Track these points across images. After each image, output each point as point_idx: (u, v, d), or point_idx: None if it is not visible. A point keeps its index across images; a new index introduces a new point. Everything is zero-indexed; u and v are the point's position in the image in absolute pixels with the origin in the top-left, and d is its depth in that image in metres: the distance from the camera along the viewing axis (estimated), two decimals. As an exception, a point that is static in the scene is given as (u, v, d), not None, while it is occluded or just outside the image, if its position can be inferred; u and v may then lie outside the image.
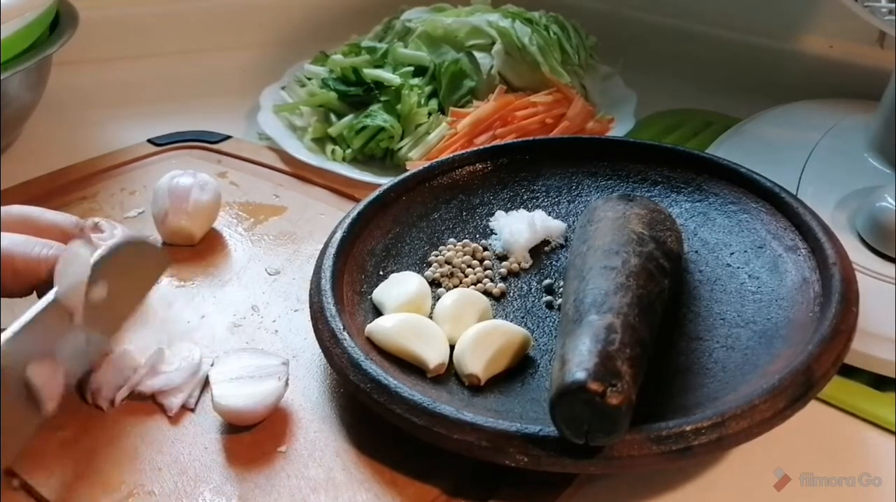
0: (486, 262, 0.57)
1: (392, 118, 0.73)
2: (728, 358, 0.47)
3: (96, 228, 0.56)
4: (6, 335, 0.41)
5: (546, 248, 0.58)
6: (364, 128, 0.73)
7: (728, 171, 0.58)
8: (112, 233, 0.56)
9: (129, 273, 0.50)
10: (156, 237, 0.62)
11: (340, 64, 0.79)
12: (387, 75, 0.76)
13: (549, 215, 0.59)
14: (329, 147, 0.75)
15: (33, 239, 0.45)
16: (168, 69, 0.94)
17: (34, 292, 0.45)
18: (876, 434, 0.49)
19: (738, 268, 0.53)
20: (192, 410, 0.48)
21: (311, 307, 0.51)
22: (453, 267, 0.56)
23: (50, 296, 0.43)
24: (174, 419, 0.47)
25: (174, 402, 0.48)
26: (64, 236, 0.47)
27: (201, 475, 0.44)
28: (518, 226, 0.58)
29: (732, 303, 0.51)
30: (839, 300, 0.46)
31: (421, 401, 0.43)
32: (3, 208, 0.47)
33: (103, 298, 0.46)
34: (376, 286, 0.53)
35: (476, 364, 0.47)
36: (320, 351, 0.49)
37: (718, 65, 0.88)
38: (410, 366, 0.48)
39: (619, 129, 0.75)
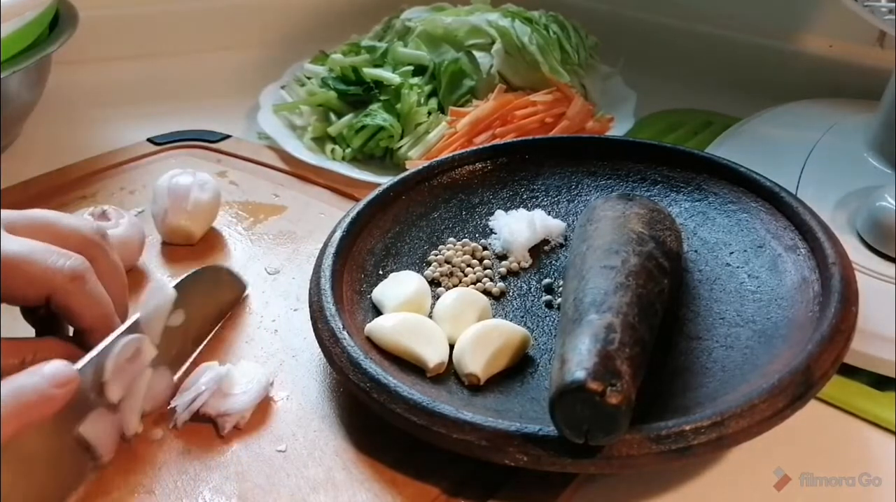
0: (486, 262, 0.57)
1: (392, 117, 0.73)
2: (727, 357, 0.47)
3: (103, 216, 0.57)
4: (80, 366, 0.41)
5: (546, 248, 0.58)
6: (364, 127, 0.73)
7: (727, 171, 0.58)
8: (118, 222, 0.57)
9: (206, 299, 0.53)
10: (156, 237, 0.62)
11: (340, 63, 0.79)
12: (386, 74, 0.76)
13: (549, 214, 0.59)
14: (329, 146, 0.74)
15: (53, 247, 0.45)
16: (168, 69, 0.94)
17: (47, 302, 0.45)
18: (876, 434, 0.49)
19: (738, 267, 0.53)
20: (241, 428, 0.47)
21: (310, 306, 0.51)
22: (453, 266, 0.56)
23: (124, 326, 0.44)
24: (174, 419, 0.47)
25: (229, 422, 0.46)
26: (84, 242, 0.46)
27: (201, 474, 0.44)
28: (518, 226, 0.58)
29: (732, 303, 0.51)
30: (839, 300, 0.46)
31: (420, 401, 0.43)
32: (23, 212, 0.47)
33: (180, 324, 0.48)
34: (376, 285, 0.53)
35: (475, 363, 0.47)
36: (320, 350, 0.49)
37: (718, 65, 0.88)
38: (410, 366, 0.48)
39: (618, 129, 0.75)
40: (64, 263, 0.44)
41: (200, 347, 0.52)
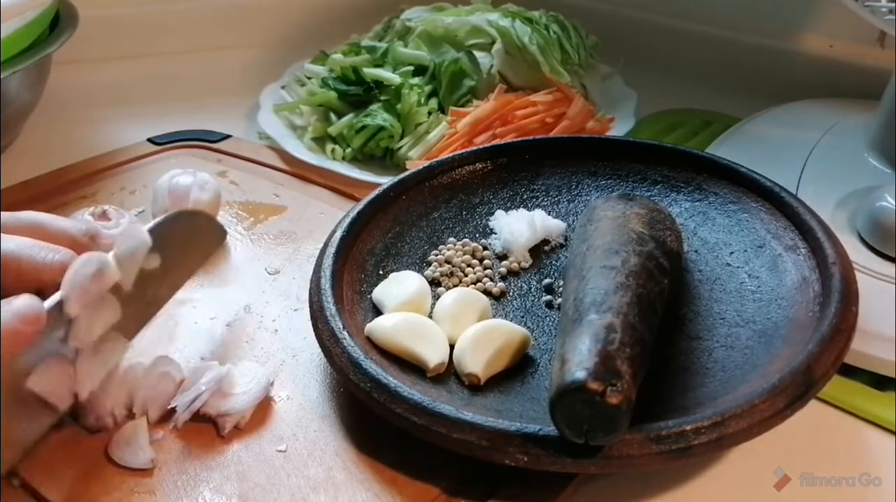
0: (486, 262, 0.57)
1: (392, 117, 0.73)
2: (728, 357, 0.47)
3: (104, 216, 0.57)
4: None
5: (546, 248, 0.58)
6: (364, 127, 0.73)
7: (728, 171, 0.58)
8: (118, 222, 0.57)
9: (184, 245, 0.52)
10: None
11: (340, 63, 0.79)
12: (387, 74, 0.76)
13: (549, 214, 0.59)
14: (329, 146, 0.75)
15: (41, 243, 0.45)
16: (168, 69, 0.94)
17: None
18: (876, 434, 0.49)
19: (738, 267, 0.53)
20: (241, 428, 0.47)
21: (310, 306, 0.51)
22: (453, 266, 0.56)
23: (87, 264, 0.43)
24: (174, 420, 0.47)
25: (229, 422, 0.47)
26: (74, 244, 0.46)
27: (201, 474, 0.44)
28: (518, 226, 0.58)
29: (732, 303, 0.51)
30: (839, 299, 0.46)
31: (421, 401, 0.43)
32: (13, 213, 0.47)
33: (156, 268, 0.47)
34: (376, 285, 0.53)
35: (476, 363, 0.47)
36: (320, 350, 0.49)
37: (718, 65, 0.88)
38: (410, 366, 0.48)
39: (619, 129, 0.75)
40: (53, 257, 0.44)
41: (178, 292, 0.52)
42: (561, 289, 0.54)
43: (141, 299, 0.47)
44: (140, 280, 0.47)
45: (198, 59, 0.96)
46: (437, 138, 0.72)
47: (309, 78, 0.82)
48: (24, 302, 0.40)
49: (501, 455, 0.41)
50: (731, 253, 0.54)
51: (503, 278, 0.56)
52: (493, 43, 0.78)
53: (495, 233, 0.59)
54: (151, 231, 0.47)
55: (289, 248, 0.62)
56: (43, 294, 0.44)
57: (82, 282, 0.43)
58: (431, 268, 0.56)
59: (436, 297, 0.53)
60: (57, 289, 0.44)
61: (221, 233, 0.58)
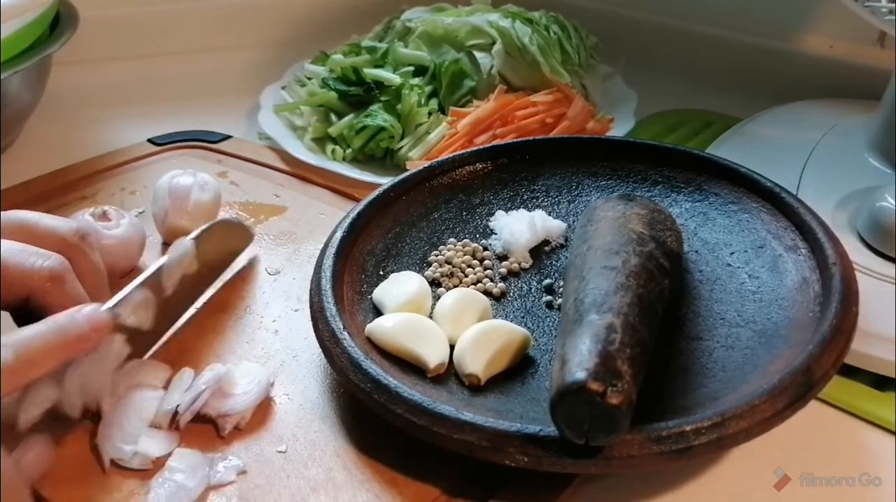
0: (487, 262, 0.57)
1: (392, 118, 0.73)
2: (728, 357, 0.47)
3: (104, 216, 0.57)
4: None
5: (546, 248, 0.58)
6: (364, 127, 0.73)
7: (728, 171, 0.58)
8: (119, 223, 0.57)
9: (218, 249, 0.57)
10: (157, 237, 0.62)
11: (341, 64, 0.79)
12: (387, 75, 0.76)
13: (550, 215, 0.59)
14: (329, 147, 0.75)
15: (30, 248, 0.44)
16: (168, 69, 0.94)
17: (27, 304, 0.44)
18: (876, 434, 0.49)
19: (739, 267, 0.53)
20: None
21: (311, 307, 0.51)
22: (453, 266, 0.56)
23: (148, 272, 0.49)
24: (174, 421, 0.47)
25: (230, 423, 0.47)
26: (62, 243, 0.46)
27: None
28: (518, 226, 0.58)
29: (732, 303, 0.51)
30: (839, 300, 0.46)
31: (421, 401, 0.43)
32: (1, 213, 0.46)
33: (195, 272, 0.53)
34: (376, 286, 0.53)
35: (476, 364, 0.47)
36: (320, 351, 0.49)
37: (718, 65, 0.88)
38: (410, 366, 0.48)
39: (619, 129, 0.75)
40: (42, 263, 0.44)
41: (210, 288, 0.57)
42: (561, 289, 0.54)
43: (177, 299, 0.52)
44: (180, 284, 0.51)
45: (198, 59, 0.96)
46: (437, 139, 0.72)
47: (309, 78, 0.82)
48: (91, 309, 0.42)
49: (502, 455, 0.41)
50: (732, 253, 0.54)
51: (503, 279, 0.56)
52: (494, 43, 0.78)
53: (496, 234, 0.59)
54: (195, 239, 0.53)
55: (289, 249, 0.62)
56: (32, 299, 0.44)
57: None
58: (432, 268, 0.56)
59: (436, 298, 0.53)
60: (45, 294, 0.44)
61: (249, 235, 0.61)
